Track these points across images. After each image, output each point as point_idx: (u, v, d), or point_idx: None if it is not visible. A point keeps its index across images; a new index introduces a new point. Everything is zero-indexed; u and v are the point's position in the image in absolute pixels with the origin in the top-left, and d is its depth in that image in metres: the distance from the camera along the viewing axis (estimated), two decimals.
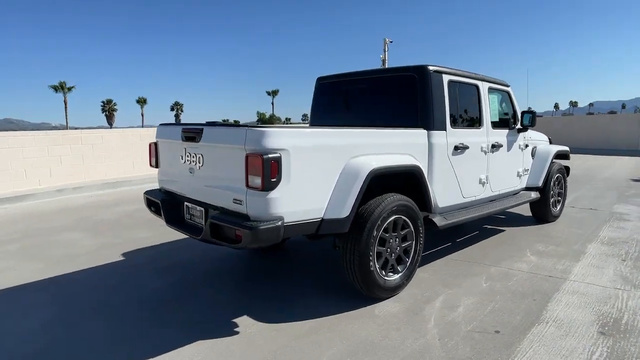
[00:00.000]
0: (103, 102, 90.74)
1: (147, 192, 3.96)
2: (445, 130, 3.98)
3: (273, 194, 2.72)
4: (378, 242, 3.29)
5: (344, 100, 4.73)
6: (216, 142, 3.04)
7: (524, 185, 5.49)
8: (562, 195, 6.20)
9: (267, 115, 74.83)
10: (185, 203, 3.47)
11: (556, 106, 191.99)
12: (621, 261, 4.28)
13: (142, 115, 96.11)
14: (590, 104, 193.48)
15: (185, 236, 5.34)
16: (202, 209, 3.24)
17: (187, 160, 3.35)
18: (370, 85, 4.42)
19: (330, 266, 4.29)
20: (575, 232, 5.41)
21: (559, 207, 6.09)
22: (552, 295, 3.47)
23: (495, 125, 4.76)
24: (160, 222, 6.28)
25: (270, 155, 2.65)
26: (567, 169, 6.27)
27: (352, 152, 3.18)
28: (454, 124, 4.11)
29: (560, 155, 6.02)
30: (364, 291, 3.36)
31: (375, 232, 3.24)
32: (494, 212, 4.68)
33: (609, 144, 20.20)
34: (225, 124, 3.12)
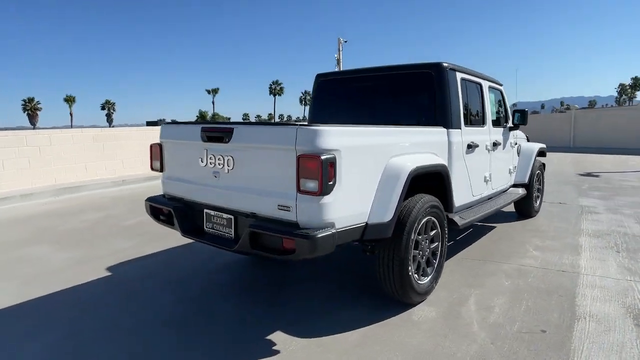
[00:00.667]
0: (24, 100, 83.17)
1: (150, 199, 3.55)
2: (460, 129, 3.96)
3: (327, 199, 2.50)
4: (413, 246, 3.18)
5: (351, 98, 4.57)
6: (253, 143, 2.75)
7: (512, 182, 5.65)
8: (541, 190, 6.49)
9: (209, 114, 72.46)
10: (206, 211, 3.13)
11: None
12: (616, 253, 4.51)
13: (71, 114, 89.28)
14: (514, 104, 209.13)
15: (168, 246, 4.95)
16: (231, 217, 2.94)
17: (211, 163, 3.02)
18: (381, 82, 4.30)
19: (345, 270, 4.12)
20: (560, 226, 5.66)
21: (538, 202, 6.36)
22: (575, 291, 3.55)
23: (493, 123, 4.84)
24: (138, 230, 5.80)
25: (327, 157, 2.43)
26: (543, 165, 6.57)
27: (391, 151, 3.04)
28: (466, 122, 4.10)
29: (540, 153, 6.28)
30: (399, 297, 3.22)
31: (413, 235, 3.12)
32: (499, 209, 4.76)
33: (544, 141, 21.71)
34: (265, 122, 2.83)
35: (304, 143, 2.46)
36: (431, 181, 3.55)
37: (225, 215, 2.99)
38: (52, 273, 4.15)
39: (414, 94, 4.05)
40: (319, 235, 2.43)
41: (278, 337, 2.89)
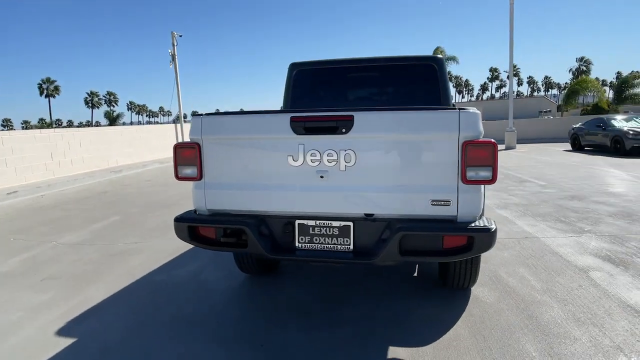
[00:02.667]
0: None
1: (185, 220, 2.63)
2: None
3: (482, 188, 2.36)
4: None
5: (339, 88, 4.33)
6: (389, 132, 2.36)
7: None
8: None
9: None
10: (299, 222, 2.52)
11: None
12: (532, 218, 5.59)
13: None
14: None
15: (119, 286, 3.74)
16: (348, 224, 2.45)
17: (312, 161, 2.43)
18: (377, 73, 4.23)
19: (348, 271, 3.90)
20: None
21: None
22: (554, 251, 4.27)
23: None
24: (38, 275, 4.12)
25: (493, 141, 2.30)
26: None
27: None
28: None
29: None
30: (467, 284, 3.28)
31: None
32: None
33: None
34: (406, 107, 2.42)
35: (469, 128, 2.27)
36: None
37: (336, 224, 2.47)
38: None
39: (416, 85, 4.12)
40: (495, 228, 2.29)
41: (400, 353, 2.57)
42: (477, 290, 3.43)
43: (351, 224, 2.47)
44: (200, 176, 2.64)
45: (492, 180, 2.31)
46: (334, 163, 2.43)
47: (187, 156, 2.62)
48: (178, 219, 2.67)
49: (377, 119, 2.40)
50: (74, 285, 3.83)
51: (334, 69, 4.33)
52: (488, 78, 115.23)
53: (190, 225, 2.62)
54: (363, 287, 3.59)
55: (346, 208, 2.48)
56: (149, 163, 14.40)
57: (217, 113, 2.66)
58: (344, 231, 2.49)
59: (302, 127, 2.41)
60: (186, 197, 7.96)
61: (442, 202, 2.33)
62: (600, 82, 42.57)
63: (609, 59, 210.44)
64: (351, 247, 2.49)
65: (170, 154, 17.23)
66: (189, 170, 2.64)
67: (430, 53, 36.48)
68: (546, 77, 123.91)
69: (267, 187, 2.56)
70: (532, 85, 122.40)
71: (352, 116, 2.37)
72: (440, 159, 2.33)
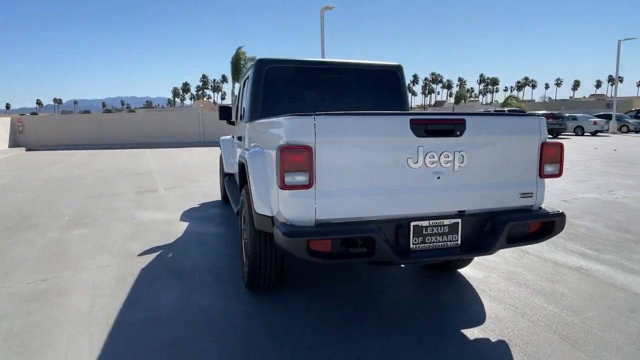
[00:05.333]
0: None
1: (301, 233, 2.29)
2: None
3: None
4: None
5: (312, 89, 4.31)
6: (493, 134, 2.68)
7: None
8: None
9: None
10: (413, 224, 2.55)
11: (39, 102, 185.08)
12: None
13: None
14: (75, 102, 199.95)
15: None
16: (457, 220, 2.65)
17: (431, 163, 2.51)
18: (347, 76, 4.40)
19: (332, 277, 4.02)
20: None
21: None
22: None
23: None
24: None
25: (561, 142, 2.86)
26: None
27: None
28: None
29: None
30: (461, 265, 3.83)
31: None
32: None
33: (174, 138, 23.17)
34: (501, 112, 2.64)
35: (544, 131, 2.76)
36: None
37: (447, 222, 2.61)
38: None
39: (381, 90, 4.44)
40: (564, 213, 2.83)
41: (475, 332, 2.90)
42: (461, 271, 4.01)
43: (459, 220, 2.66)
44: (311, 183, 2.33)
45: (559, 174, 2.87)
46: (449, 164, 2.59)
47: (298, 161, 2.29)
48: (291, 234, 2.28)
49: (483, 122, 2.71)
50: (25, 351, 2.66)
51: (309, 69, 4.27)
52: None
53: (309, 239, 2.29)
54: (366, 286, 3.72)
55: (457, 206, 2.68)
56: None
57: (331, 113, 2.39)
58: (453, 228, 2.66)
59: (423, 129, 2.47)
60: (38, 216, 6.19)
61: (528, 195, 2.78)
62: None
63: None
64: (459, 242, 2.68)
65: None
66: (299, 178, 2.30)
67: (232, 53, 37.30)
68: None
69: (384, 191, 2.53)
70: None
71: (464, 120, 2.57)
72: (526, 157, 2.80)
